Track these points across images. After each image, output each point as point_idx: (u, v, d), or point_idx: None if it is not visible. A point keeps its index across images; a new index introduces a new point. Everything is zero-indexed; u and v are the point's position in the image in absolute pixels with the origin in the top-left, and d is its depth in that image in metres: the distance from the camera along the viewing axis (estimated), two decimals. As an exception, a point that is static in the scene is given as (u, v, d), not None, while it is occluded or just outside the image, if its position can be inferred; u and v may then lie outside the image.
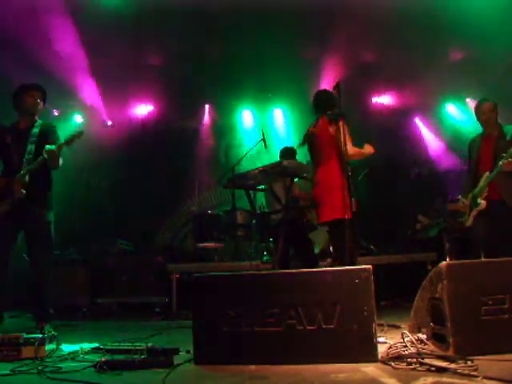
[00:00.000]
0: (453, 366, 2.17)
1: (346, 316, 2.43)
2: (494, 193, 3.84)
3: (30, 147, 3.79)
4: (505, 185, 3.78)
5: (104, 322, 4.61)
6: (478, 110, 4.10)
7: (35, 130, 3.87)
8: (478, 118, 4.12)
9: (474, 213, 3.93)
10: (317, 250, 5.58)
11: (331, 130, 3.66)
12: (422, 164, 7.80)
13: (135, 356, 2.58)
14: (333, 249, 3.83)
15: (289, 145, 5.61)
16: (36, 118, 3.94)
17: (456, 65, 6.75)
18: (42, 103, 3.96)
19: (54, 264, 5.43)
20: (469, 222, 3.99)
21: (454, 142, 7.31)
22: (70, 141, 3.73)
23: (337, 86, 3.57)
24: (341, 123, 3.58)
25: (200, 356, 2.53)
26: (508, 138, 3.91)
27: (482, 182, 3.90)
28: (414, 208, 6.74)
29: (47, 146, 3.66)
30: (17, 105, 3.92)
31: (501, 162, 3.68)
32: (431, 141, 7.86)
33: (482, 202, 3.86)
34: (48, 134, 3.87)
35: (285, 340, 2.47)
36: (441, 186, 7.15)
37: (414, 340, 2.52)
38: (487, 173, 3.87)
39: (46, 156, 3.65)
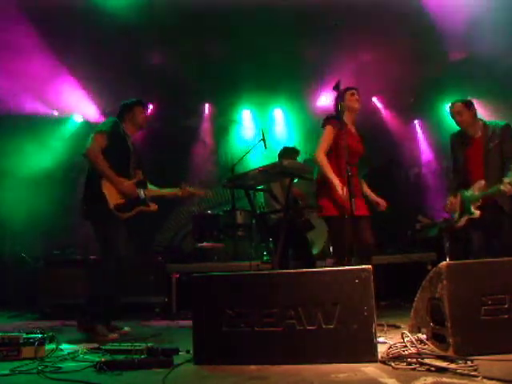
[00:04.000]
0: (453, 365, 2.17)
1: (346, 316, 2.43)
2: (489, 200, 3.74)
3: (139, 168, 3.91)
4: (503, 196, 3.65)
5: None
6: (451, 112, 3.96)
7: (137, 152, 3.98)
8: (455, 121, 3.97)
9: (466, 218, 3.85)
10: (316, 251, 5.59)
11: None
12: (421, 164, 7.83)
13: (135, 356, 2.58)
14: (331, 245, 3.87)
15: (289, 145, 5.62)
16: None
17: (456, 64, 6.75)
18: None
19: (54, 264, 5.49)
20: (460, 223, 3.91)
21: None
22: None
23: (337, 86, 3.58)
24: (327, 126, 3.69)
25: (200, 356, 2.53)
26: (495, 138, 3.77)
27: (476, 192, 3.79)
28: (414, 208, 6.75)
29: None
30: (127, 115, 3.93)
31: (502, 187, 3.53)
32: (431, 139, 7.87)
33: (476, 212, 3.78)
34: (140, 159, 3.99)
35: (285, 340, 2.47)
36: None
37: (413, 340, 2.52)
38: (482, 182, 3.76)
39: (180, 192, 4.06)
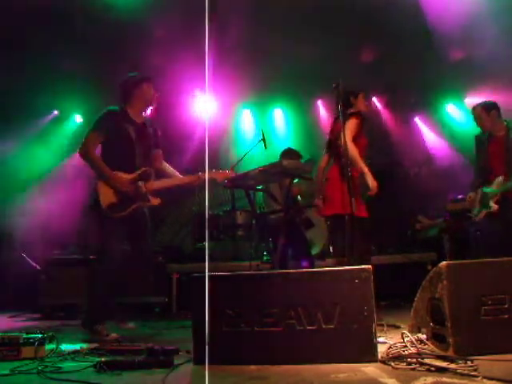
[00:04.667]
0: (453, 365, 2.16)
1: (346, 316, 2.43)
2: (508, 194, 3.95)
3: (151, 152, 3.65)
4: None
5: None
6: (473, 115, 4.22)
7: (151, 130, 3.65)
8: (477, 124, 4.24)
9: (485, 212, 4.06)
10: (317, 250, 5.59)
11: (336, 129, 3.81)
12: (421, 163, 7.81)
13: (135, 356, 2.58)
14: (331, 244, 3.88)
15: (289, 145, 5.62)
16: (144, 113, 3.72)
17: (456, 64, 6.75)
18: None
19: (54, 264, 5.49)
20: (479, 216, 4.12)
21: (453, 141, 7.33)
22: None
23: (337, 86, 3.58)
24: (355, 119, 3.75)
25: (200, 356, 2.53)
26: None
27: (496, 187, 4.00)
28: (414, 208, 6.75)
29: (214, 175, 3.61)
30: (132, 94, 3.59)
31: None
32: (431, 139, 7.87)
33: (494, 206, 3.99)
34: (157, 136, 3.73)
35: (285, 340, 2.47)
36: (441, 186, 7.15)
37: (413, 340, 2.52)
38: (501, 178, 3.97)
39: (194, 179, 3.63)
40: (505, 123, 4.11)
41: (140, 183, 3.54)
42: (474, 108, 4.23)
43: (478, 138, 4.32)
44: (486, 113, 4.10)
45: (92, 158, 3.47)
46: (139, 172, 3.55)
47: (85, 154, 3.47)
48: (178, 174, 3.84)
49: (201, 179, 3.66)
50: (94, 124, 3.54)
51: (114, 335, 3.40)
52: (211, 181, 3.76)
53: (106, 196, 3.42)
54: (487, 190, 4.08)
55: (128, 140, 3.52)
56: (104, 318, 3.50)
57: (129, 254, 3.57)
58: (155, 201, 3.64)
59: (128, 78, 3.66)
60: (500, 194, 3.97)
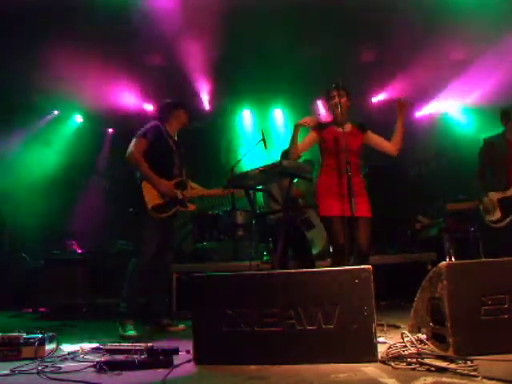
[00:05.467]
0: (453, 365, 2.16)
1: (346, 316, 2.43)
2: None
3: (183, 167, 4.11)
4: None
5: (104, 322, 4.60)
6: (503, 118, 4.23)
7: (182, 150, 4.13)
8: (505, 125, 4.25)
9: (510, 218, 4.08)
10: (316, 251, 5.58)
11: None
12: (422, 163, 7.81)
13: (135, 356, 2.57)
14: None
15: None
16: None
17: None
18: None
19: (54, 264, 5.49)
20: (503, 223, 4.13)
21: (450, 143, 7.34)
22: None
23: (337, 86, 3.58)
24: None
25: (200, 356, 2.53)
26: None
27: None
28: (414, 208, 6.74)
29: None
30: (171, 116, 4.08)
31: None
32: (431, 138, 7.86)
33: None
34: (185, 157, 4.16)
35: (285, 340, 2.47)
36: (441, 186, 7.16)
37: (413, 340, 2.52)
38: None
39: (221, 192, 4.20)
40: None
41: (179, 190, 3.98)
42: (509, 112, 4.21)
43: (490, 143, 4.31)
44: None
45: (140, 163, 3.82)
46: (176, 180, 3.98)
47: (133, 158, 3.82)
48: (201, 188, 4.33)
49: (225, 192, 4.25)
50: (143, 132, 3.92)
51: (181, 326, 3.93)
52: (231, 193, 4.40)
53: (152, 197, 3.80)
54: (509, 193, 4.09)
55: (169, 150, 3.98)
56: (136, 314, 3.79)
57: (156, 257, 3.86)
58: (192, 207, 4.13)
59: (169, 101, 4.18)
60: None
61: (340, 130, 3.56)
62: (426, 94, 7.37)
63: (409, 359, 2.30)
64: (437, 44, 6.18)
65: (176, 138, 4.15)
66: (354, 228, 3.33)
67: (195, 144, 7.81)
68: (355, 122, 3.78)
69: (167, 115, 4.09)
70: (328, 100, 3.76)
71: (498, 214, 4.17)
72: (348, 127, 3.69)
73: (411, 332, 2.71)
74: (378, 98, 7.87)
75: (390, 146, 3.77)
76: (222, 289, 2.63)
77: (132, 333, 3.59)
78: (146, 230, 3.80)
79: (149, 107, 7.72)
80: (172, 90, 7.09)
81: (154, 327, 3.96)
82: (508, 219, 4.10)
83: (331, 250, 3.69)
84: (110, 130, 8.14)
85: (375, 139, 3.80)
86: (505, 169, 4.18)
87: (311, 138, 3.75)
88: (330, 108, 3.76)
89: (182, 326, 3.96)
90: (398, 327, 3.34)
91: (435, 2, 5.54)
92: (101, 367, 2.41)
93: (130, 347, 2.73)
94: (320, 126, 3.72)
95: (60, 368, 2.49)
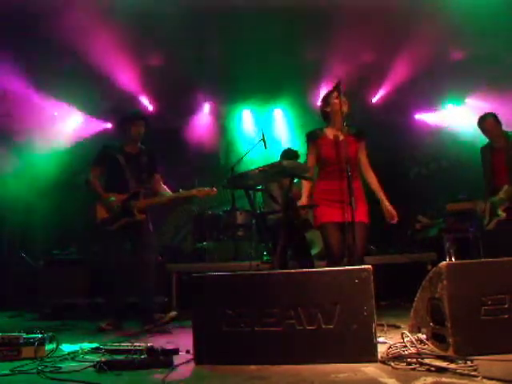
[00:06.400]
0: (453, 365, 2.17)
1: (346, 316, 2.43)
2: None
3: (143, 176, 4.30)
4: None
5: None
6: (483, 127, 4.34)
7: (145, 159, 4.33)
8: (484, 134, 4.37)
9: (495, 221, 4.25)
10: (316, 251, 5.58)
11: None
12: (422, 163, 7.81)
13: (135, 356, 2.57)
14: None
15: (289, 146, 5.61)
16: (139, 144, 4.38)
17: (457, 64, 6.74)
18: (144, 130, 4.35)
19: (54, 264, 5.49)
20: (490, 225, 4.30)
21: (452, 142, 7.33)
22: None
23: (337, 86, 3.57)
24: None
25: (200, 356, 2.53)
26: None
27: (502, 195, 4.18)
28: (414, 208, 6.75)
29: (194, 192, 4.22)
30: (123, 132, 4.32)
31: None
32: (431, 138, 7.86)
33: (502, 214, 4.19)
34: (154, 163, 4.40)
35: (285, 340, 2.47)
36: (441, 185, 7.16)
37: (413, 340, 2.52)
38: (506, 186, 4.15)
39: (179, 195, 4.26)
40: (504, 134, 4.27)
41: (132, 202, 4.16)
42: (486, 120, 4.29)
43: (483, 151, 4.46)
44: (498, 123, 4.25)
45: (89, 185, 4.24)
46: (129, 194, 4.20)
47: (87, 181, 4.28)
48: (169, 193, 4.42)
49: (179, 197, 4.34)
50: (92, 160, 4.33)
51: (172, 314, 4.12)
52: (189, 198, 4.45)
53: (101, 212, 4.17)
54: (495, 199, 4.25)
55: (118, 168, 4.22)
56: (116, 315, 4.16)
57: (129, 261, 4.19)
58: (140, 216, 4.19)
59: (123, 117, 4.41)
60: (507, 202, 4.14)
61: (338, 135, 3.53)
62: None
63: (409, 359, 2.30)
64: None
65: (137, 148, 4.33)
66: (350, 233, 3.30)
67: (195, 144, 7.86)
68: (353, 128, 3.64)
69: (120, 131, 4.39)
70: (327, 105, 3.66)
71: (487, 218, 4.35)
72: (346, 133, 3.52)
73: (411, 332, 2.71)
74: (378, 97, 7.87)
75: (367, 172, 3.72)
76: (222, 289, 2.63)
77: (103, 324, 4.00)
78: (102, 242, 4.30)
79: (148, 107, 7.71)
80: (170, 89, 7.12)
81: (147, 323, 4.05)
82: (492, 223, 4.28)
83: (326, 256, 3.68)
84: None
85: (363, 157, 3.71)
86: (491, 175, 4.36)
87: (314, 149, 3.70)
88: (329, 113, 3.65)
89: (172, 314, 4.13)
90: (398, 327, 3.35)
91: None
92: (101, 367, 2.41)
93: (129, 347, 2.73)
94: (315, 135, 3.68)
95: (60, 368, 2.50)
